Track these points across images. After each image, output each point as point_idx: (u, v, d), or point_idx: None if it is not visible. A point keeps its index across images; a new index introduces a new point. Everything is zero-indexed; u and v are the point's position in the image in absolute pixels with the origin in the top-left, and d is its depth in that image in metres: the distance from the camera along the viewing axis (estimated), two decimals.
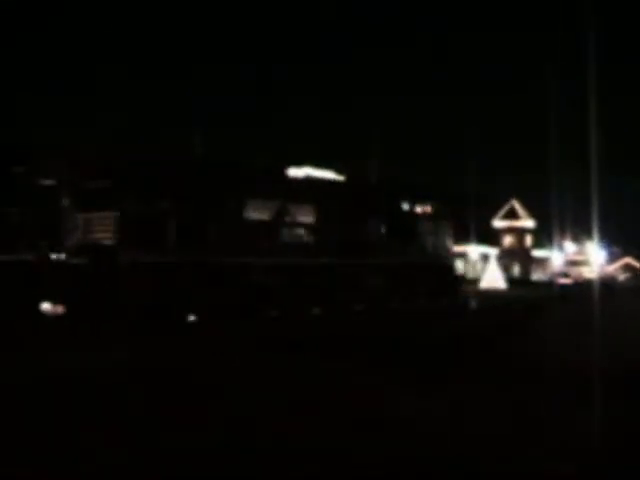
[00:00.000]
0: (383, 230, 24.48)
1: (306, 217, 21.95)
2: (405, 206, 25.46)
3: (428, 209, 26.19)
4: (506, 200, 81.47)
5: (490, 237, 77.74)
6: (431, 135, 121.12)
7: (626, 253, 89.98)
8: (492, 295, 40.37)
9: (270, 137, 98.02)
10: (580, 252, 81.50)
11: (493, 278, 62.82)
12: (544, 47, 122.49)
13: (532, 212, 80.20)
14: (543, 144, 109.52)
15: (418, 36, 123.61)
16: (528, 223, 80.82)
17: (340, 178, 24.11)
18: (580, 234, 76.63)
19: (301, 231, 21.81)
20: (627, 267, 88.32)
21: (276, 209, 20.85)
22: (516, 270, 78.44)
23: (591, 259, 78.23)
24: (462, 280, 31.47)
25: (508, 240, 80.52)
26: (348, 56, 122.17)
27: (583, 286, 48.64)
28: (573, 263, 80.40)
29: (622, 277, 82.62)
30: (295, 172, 22.73)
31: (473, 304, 27.80)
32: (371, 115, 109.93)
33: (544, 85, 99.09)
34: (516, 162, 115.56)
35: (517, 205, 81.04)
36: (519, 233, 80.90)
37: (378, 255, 23.75)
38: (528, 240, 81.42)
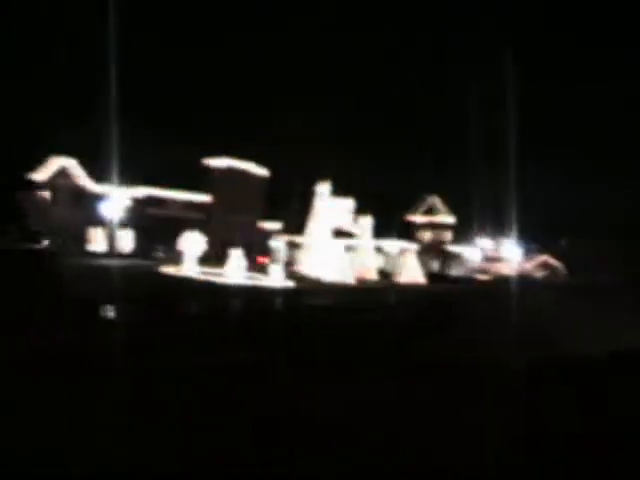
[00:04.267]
0: None
1: None
2: None
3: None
4: (426, 196, 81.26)
5: (409, 232, 77.26)
6: (360, 130, 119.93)
7: (544, 250, 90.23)
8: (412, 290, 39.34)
9: None
10: (498, 249, 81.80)
11: (412, 273, 62.44)
12: (462, 47, 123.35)
13: (452, 208, 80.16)
14: (463, 140, 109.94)
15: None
16: (447, 219, 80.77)
17: None
18: (499, 230, 76.75)
19: None
20: (545, 265, 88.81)
21: None
22: (435, 266, 78.25)
23: (509, 256, 78.51)
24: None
25: (427, 235, 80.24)
26: None
27: (500, 283, 48.12)
28: (491, 259, 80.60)
29: (539, 275, 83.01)
30: None
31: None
32: None
33: (464, 82, 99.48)
34: (436, 158, 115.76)
35: (437, 201, 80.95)
36: (438, 229, 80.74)
37: None
38: (447, 236, 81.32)
